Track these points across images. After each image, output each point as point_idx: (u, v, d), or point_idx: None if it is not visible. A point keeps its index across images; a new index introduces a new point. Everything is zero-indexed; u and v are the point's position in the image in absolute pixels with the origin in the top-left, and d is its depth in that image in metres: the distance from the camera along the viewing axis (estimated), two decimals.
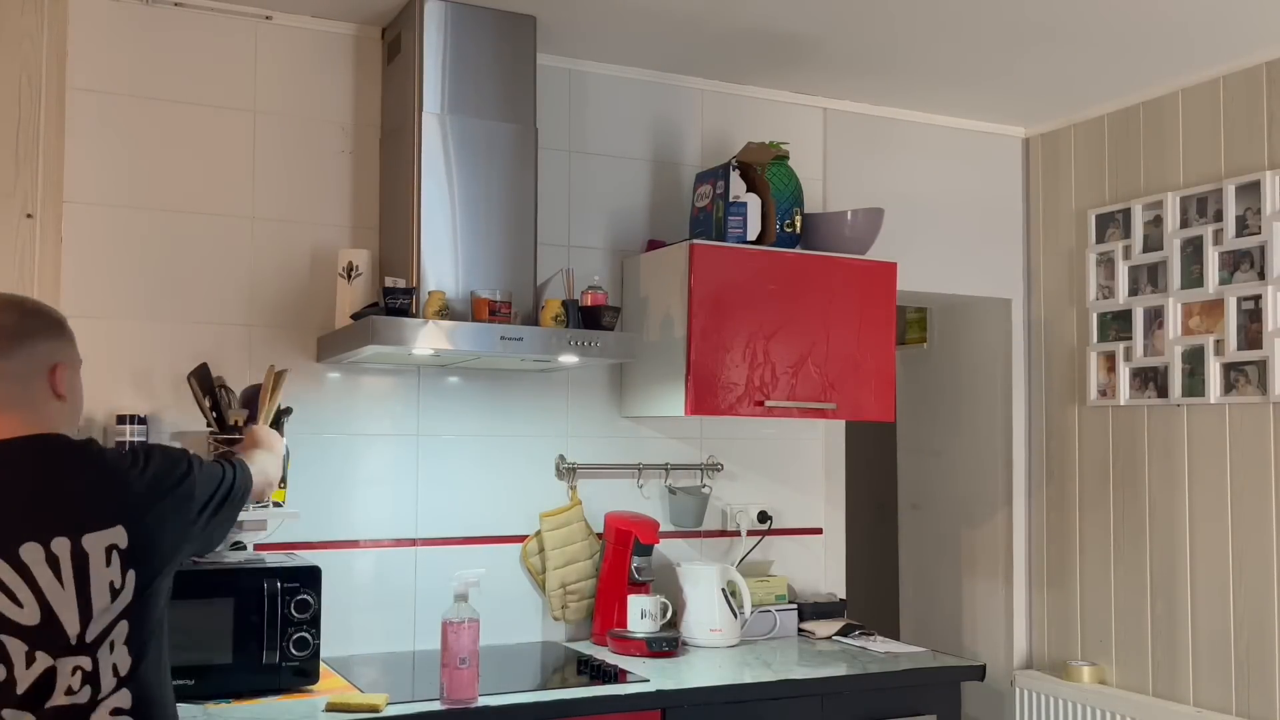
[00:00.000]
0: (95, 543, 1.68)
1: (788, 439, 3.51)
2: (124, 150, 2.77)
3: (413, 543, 3.00)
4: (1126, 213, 3.52)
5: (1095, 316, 3.61)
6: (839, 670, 2.83)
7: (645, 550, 3.07)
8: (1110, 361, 3.55)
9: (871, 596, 4.25)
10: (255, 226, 2.89)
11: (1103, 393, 3.57)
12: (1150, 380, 3.42)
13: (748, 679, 2.73)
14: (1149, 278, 3.45)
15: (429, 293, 2.66)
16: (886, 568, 4.42)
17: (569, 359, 2.76)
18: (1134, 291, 3.49)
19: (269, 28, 2.92)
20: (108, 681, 1.68)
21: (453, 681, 2.40)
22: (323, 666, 2.58)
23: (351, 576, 2.93)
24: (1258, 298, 3.12)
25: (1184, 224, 3.34)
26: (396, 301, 2.57)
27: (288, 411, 2.68)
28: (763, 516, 3.42)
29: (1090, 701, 3.48)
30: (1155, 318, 3.41)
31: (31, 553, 1.65)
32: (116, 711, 1.69)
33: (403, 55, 2.86)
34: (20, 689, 1.64)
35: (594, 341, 2.72)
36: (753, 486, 3.45)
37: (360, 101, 3.01)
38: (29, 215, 2.69)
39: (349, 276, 2.81)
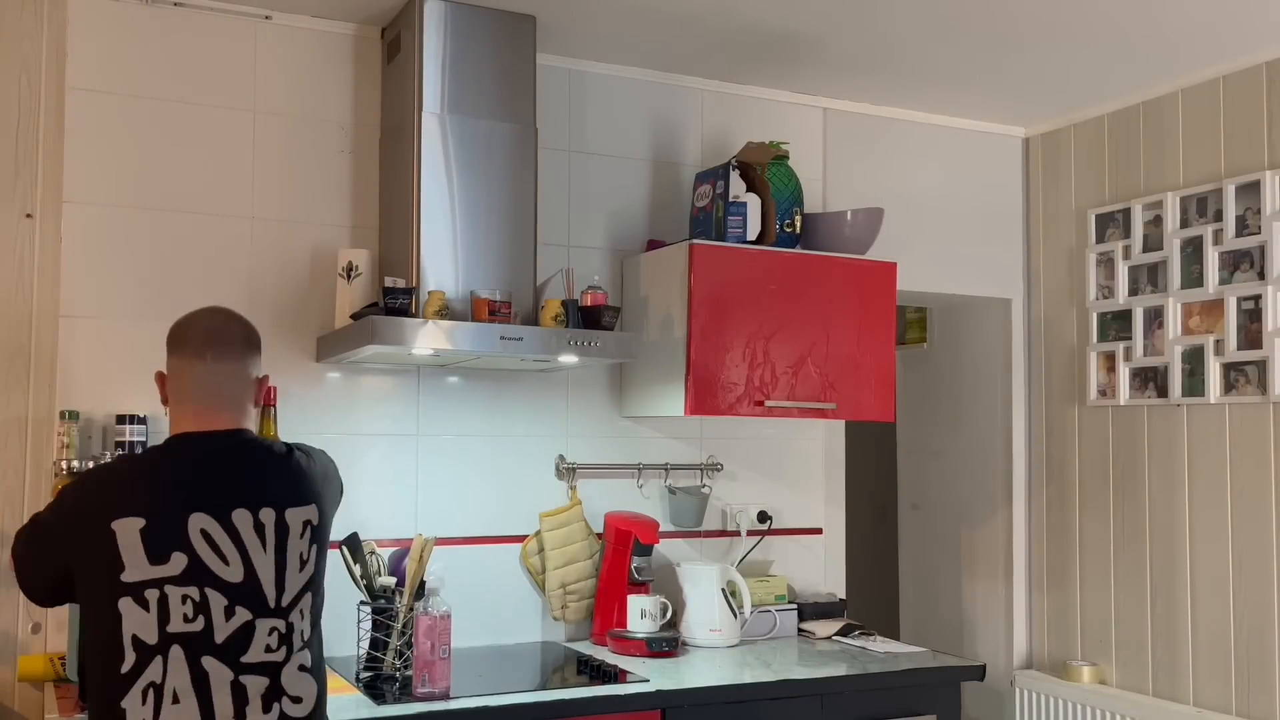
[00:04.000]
0: (295, 516, 1.90)
1: (787, 439, 3.51)
2: (124, 150, 2.77)
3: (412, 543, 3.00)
4: (1126, 213, 3.51)
5: (1095, 316, 3.61)
6: (839, 670, 2.83)
7: (645, 550, 3.07)
8: (1110, 361, 3.55)
9: (871, 596, 4.25)
10: (255, 226, 2.89)
11: (1103, 393, 3.57)
12: (1150, 380, 3.42)
13: (747, 679, 2.73)
14: (1149, 278, 3.45)
15: (429, 293, 2.66)
16: (886, 568, 4.42)
17: (569, 359, 2.75)
18: (1134, 291, 3.49)
19: (269, 28, 2.92)
20: (297, 642, 1.88)
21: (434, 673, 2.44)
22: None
23: None
24: (1258, 298, 3.12)
25: (1184, 224, 3.34)
26: (396, 301, 2.57)
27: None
28: (762, 516, 3.41)
29: (1090, 701, 3.48)
30: (1155, 318, 3.41)
31: (241, 518, 1.85)
32: (303, 668, 1.88)
33: (402, 55, 2.86)
34: (219, 639, 1.81)
35: (594, 341, 2.72)
36: (752, 486, 3.45)
37: (360, 101, 3.01)
38: (29, 215, 2.70)
39: (349, 276, 2.81)
